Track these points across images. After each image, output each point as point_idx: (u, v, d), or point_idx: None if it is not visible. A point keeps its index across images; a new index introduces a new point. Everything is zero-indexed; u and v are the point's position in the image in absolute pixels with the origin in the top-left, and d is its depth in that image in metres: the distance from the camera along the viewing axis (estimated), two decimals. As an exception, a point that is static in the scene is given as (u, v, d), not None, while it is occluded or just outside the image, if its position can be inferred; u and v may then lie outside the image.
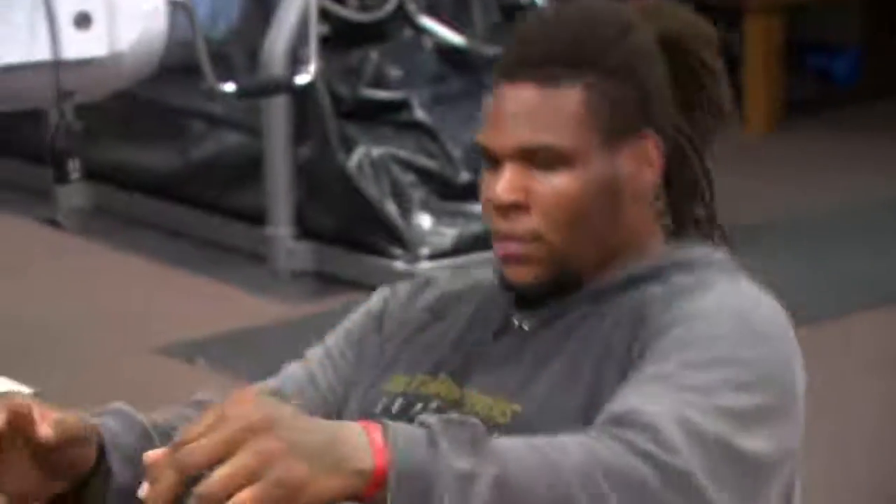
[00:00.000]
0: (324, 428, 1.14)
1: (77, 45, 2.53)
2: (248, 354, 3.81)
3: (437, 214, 4.21)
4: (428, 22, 4.65)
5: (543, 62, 1.39)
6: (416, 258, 4.12)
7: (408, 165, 4.26)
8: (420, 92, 4.42)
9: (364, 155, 4.23)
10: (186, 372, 3.74)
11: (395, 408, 1.45)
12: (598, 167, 1.39)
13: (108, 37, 2.55)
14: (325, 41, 4.26)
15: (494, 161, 1.41)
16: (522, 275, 1.41)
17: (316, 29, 3.44)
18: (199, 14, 4.45)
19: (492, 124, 1.41)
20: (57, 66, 2.50)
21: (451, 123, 4.32)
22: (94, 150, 4.36)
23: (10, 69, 2.51)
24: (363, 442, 1.13)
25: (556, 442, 1.19)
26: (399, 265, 4.11)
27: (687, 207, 1.48)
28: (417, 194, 4.22)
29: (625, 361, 1.35)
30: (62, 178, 2.60)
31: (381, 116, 4.36)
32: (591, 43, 1.40)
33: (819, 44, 6.26)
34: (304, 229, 4.32)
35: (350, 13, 4.47)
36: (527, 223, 1.40)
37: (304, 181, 4.31)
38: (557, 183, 1.39)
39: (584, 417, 1.32)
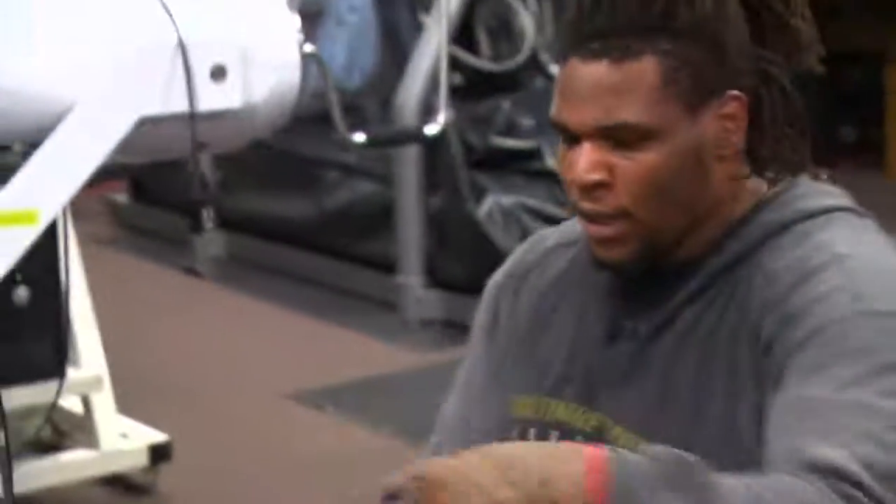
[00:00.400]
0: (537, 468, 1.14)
1: (212, 98, 2.59)
2: (377, 402, 3.84)
3: (567, 263, 4.20)
4: (560, 71, 4.66)
5: (611, 33, 1.30)
6: (545, 307, 4.12)
7: (538, 214, 4.27)
8: (551, 140, 4.43)
9: (494, 204, 4.24)
10: (315, 418, 3.78)
11: (531, 437, 1.42)
12: (682, 137, 1.32)
13: (242, 89, 2.60)
14: (457, 91, 4.31)
15: (572, 138, 1.33)
16: (613, 254, 1.36)
17: (447, 79, 3.47)
18: (335, 65, 4.54)
19: (567, 101, 1.32)
20: (193, 118, 2.56)
21: (581, 173, 4.32)
22: (230, 200, 4.46)
23: (148, 121, 2.58)
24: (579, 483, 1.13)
25: (773, 485, 1.16)
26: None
27: (775, 149, 1.38)
28: (548, 244, 4.23)
29: (755, 360, 1.31)
30: (197, 227, 2.65)
31: (512, 165, 4.38)
32: (658, 5, 1.30)
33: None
34: (435, 278, 4.35)
35: (482, 63, 4.51)
36: (613, 201, 1.33)
37: (434, 230, 4.34)
38: (642, 158, 1.31)
39: (721, 439, 1.30)
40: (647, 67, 1.30)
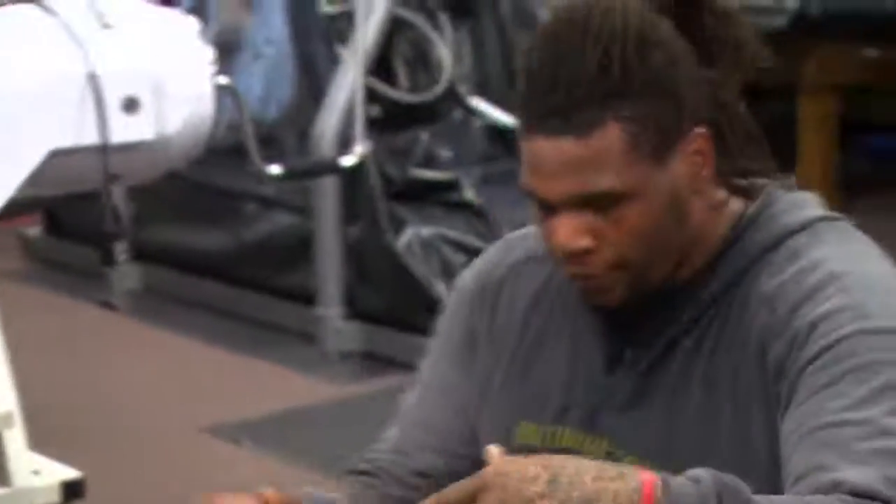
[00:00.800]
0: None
1: (125, 129, 2.57)
2: (295, 435, 3.82)
3: (486, 295, 4.21)
4: (478, 103, 4.68)
5: (572, 109, 1.31)
6: (465, 339, 4.12)
7: (458, 245, 4.27)
8: (469, 172, 4.44)
9: (413, 235, 4.24)
10: (232, 452, 3.75)
11: None
12: (656, 188, 1.34)
13: (155, 121, 2.58)
14: (375, 122, 4.31)
15: (547, 206, 1.35)
16: (606, 300, 1.38)
17: (363, 110, 3.47)
18: (252, 97, 4.53)
19: (537, 175, 1.34)
20: (105, 149, 2.54)
21: (500, 203, 4.33)
22: (146, 232, 4.42)
23: (60, 153, 2.55)
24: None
25: None
26: (448, 346, 4.11)
27: (742, 164, 1.40)
28: (466, 275, 4.23)
29: (763, 383, 1.33)
30: (109, 260, 2.63)
31: (431, 196, 4.39)
32: (611, 71, 1.31)
33: (873, 124, 6.24)
34: (354, 310, 4.34)
35: (400, 95, 4.51)
36: (600, 261, 1.36)
37: (353, 262, 4.33)
38: (623, 219, 1.34)
39: (735, 462, 1.31)
40: (611, 136, 1.31)
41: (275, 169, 3.14)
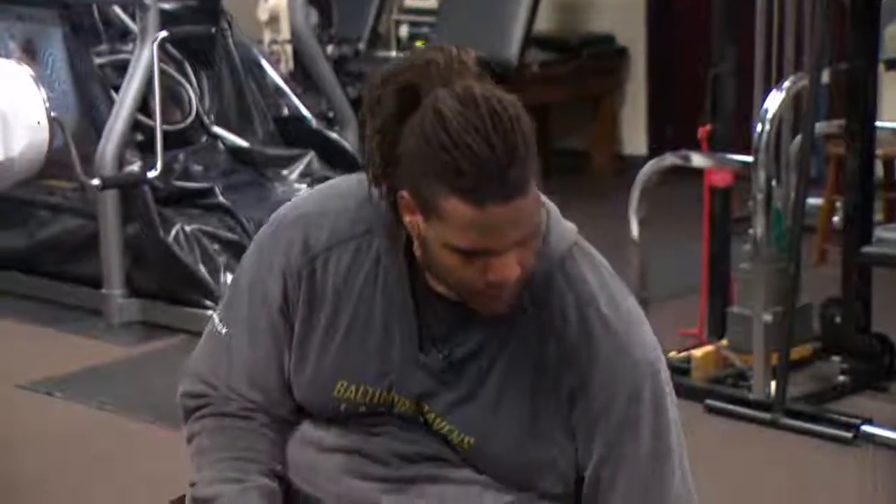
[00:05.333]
0: None
1: (-23, 152, 2.53)
2: (95, 387, 3.76)
3: (237, 273, 4.25)
4: (219, 130, 4.72)
5: (521, 180, 1.30)
6: (222, 307, 4.14)
7: (213, 237, 4.29)
8: (218, 182, 4.47)
9: (179, 230, 4.24)
10: (46, 402, 3.67)
11: (362, 411, 1.41)
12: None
13: (2, 146, 2.56)
14: (142, 146, 4.29)
15: (488, 253, 1.32)
16: (502, 310, 1.37)
17: (161, 135, 3.46)
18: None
19: (489, 234, 1.30)
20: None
21: (243, 205, 4.39)
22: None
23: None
24: None
25: None
26: (209, 313, 4.08)
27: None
28: (221, 259, 4.26)
29: (556, 395, 1.37)
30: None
31: (191, 201, 4.39)
32: (529, 142, 1.32)
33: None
34: (133, 289, 4.29)
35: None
36: (520, 282, 1.35)
37: (131, 252, 4.29)
38: (533, 245, 1.36)
39: (526, 443, 1.36)
40: (534, 189, 1.33)
41: (95, 181, 3.11)
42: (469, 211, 1.29)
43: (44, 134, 2.58)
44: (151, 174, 3.47)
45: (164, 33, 4.07)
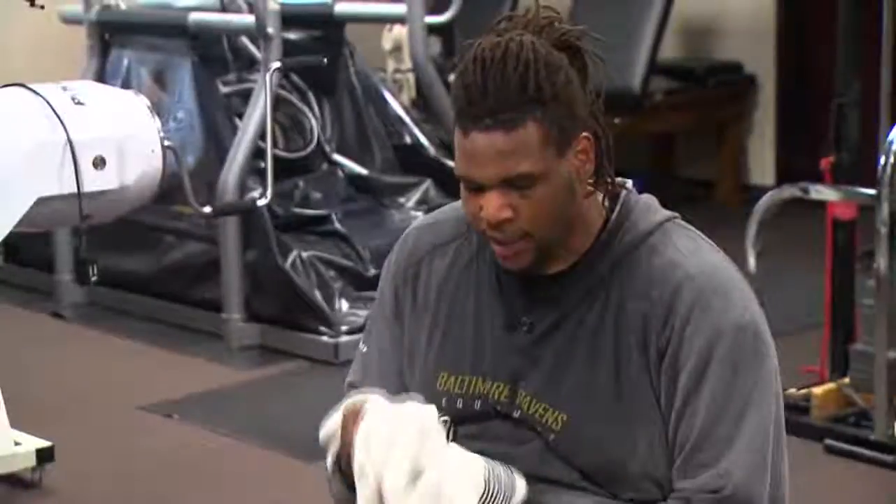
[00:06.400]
0: None
1: (94, 181, 2.60)
2: (212, 409, 3.82)
3: (353, 300, 4.27)
4: (339, 158, 4.77)
5: (499, 110, 1.35)
6: (337, 334, 4.16)
7: (329, 264, 4.33)
8: (336, 209, 4.52)
9: (297, 257, 4.29)
10: (164, 424, 3.74)
11: (459, 405, 1.45)
12: (558, 175, 1.39)
13: (118, 174, 2.62)
14: (262, 173, 4.36)
15: (477, 187, 1.39)
16: (519, 263, 1.41)
17: (272, 165, 3.52)
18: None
19: (472, 162, 1.38)
20: (79, 196, 2.56)
21: (359, 232, 4.42)
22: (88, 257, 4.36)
23: (45, 200, 2.57)
24: None
25: None
26: (324, 339, 4.16)
27: (604, 165, 1.46)
28: (337, 286, 4.29)
29: (644, 358, 1.38)
30: (84, 279, 2.65)
31: (308, 228, 4.44)
32: (528, 86, 1.36)
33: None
34: (251, 313, 4.35)
35: (281, 153, 4.56)
36: (515, 229, 1.39)
37: (250, 277, 4.35)
38: (535, 196, 1.38)
39: (615, 412, 1.38)
40: (530, 131, 1.37)
41: (207, 209, 3.17)
42: (459, 136, 1.38)
43: (157, 162, 2.63)
44: (262, 202, 3.51)
45: (277, 64, 4.12)
